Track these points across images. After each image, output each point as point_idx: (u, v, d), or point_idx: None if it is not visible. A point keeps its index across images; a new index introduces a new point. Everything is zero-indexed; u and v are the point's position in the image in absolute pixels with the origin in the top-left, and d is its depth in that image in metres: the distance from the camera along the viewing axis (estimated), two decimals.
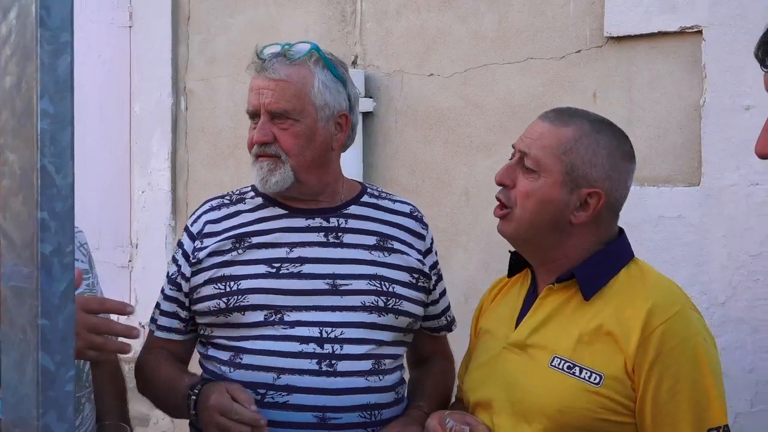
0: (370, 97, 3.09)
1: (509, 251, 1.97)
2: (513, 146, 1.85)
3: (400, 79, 3.06)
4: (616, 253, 1.84)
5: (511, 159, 1.86)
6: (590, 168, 1.78)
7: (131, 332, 1.85)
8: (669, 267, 2.19)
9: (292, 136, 2.03)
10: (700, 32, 2.49)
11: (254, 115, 2.06)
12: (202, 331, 2.14)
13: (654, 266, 1.90)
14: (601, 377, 1.69)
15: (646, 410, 1.69)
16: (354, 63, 3.13)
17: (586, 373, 1.70)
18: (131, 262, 3.58)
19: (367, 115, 3.07)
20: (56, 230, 0.99)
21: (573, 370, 1.72)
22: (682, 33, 2.52)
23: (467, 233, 2.92)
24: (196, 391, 1.95)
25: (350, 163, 2.97)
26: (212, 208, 2.17)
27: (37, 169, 0.98)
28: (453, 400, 2.22)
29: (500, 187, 1.84)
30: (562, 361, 1.73)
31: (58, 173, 0.99)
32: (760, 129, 2.38)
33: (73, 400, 1.03)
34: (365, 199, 2.18)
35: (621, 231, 1.89)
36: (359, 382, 2.00)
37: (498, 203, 1.85)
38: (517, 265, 1.98)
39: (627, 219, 1.99)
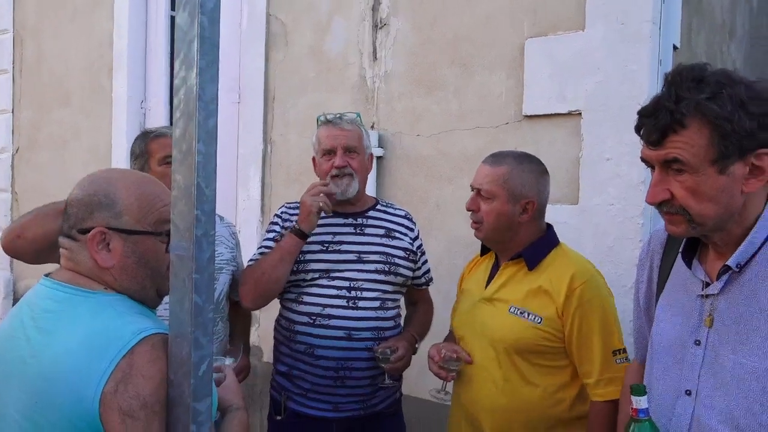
0: (382, 148, 3.06)
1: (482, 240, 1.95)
2: (471, 186, 1.85)
3: (400, 138, 3.04)
4: (547, 241, 1.83)
5: (472, 192, 1.85)
6: (522, 187, 1.77)
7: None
8: None
9: (358, 163, 2.04)
10: (579, 114, 2.47)
11: (330, 151, 2.02)
12: None
13: None
14: (541, 318, 1.69)
15: (573, 340, 1.68)
16: (372, 127, 3.11)
17: (532, 316, 1.69)
18: None
19: (379, 158, 3.05)
20: (204, 221, 0.99)
21: (523, 314, 1.70)
22: (569, 114, 2.51)
23: (437, 230, 2.90)
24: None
25: (369, 186, 2.94)
26: (289, 207, 2.16)
27: (194, 185, 0.98)
28: (438, 331, 2.19)
29: (470, 212, 1.83)
30: (516, 309, 1.72)
31: (206, 187, 0.99)
32: (614, 174, 2.39)
33: (213, 322, 1.02)
34: (378, 207, 2.17)
35: (549, 226, 1.88)
36: (371, 313, 2.00)
37: (472, 224, 1.83)
38: (486, 248, 1.95)
39: None
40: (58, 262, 1.74)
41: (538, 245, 1.80)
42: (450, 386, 1.88)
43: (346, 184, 2.02)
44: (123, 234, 1.16)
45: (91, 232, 1.15)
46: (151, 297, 1.23)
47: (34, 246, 1.64)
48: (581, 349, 1.69)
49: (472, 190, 1.84)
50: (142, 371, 1.02)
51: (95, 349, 1.04)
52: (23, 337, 1.12)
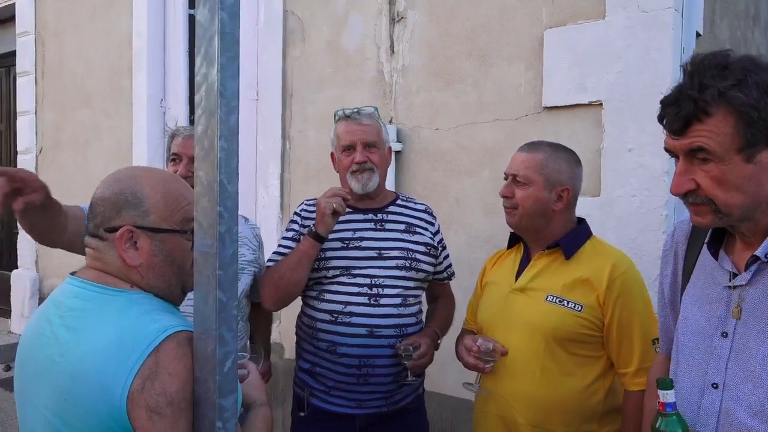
0: (400, 142, 3.06)
1: (510, 232, 1.93)
2: (505, 173, 1.84)
3: (418, 132, 3.04)
4: (582, 231, 1.84)
5: (506, 180, 1.84)
6: (559, 174, 1.78)
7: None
8: None
9: (378, 157, 2.04)
10: (600, 104, 2.45)
11: (350, 147, 2.03)
12: None
13: None
14: (582, 306, 1.68)
15: (612, 329, 1.68)
16: (390, 121, 3.11)
17: (572, 304, 1.69)
18: None
19: (398, 153, 3.05)
20: (227, 218, 0.99)
21: (562, 303, 1.70)
22: (590, 104, 2.48)
23: (457, 224, 2.89)
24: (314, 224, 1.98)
25: (388, 182, 2.94)
26: (309, 204, 2.16)
27: (217, 181, 0.98)
28: (460, 325, 2.16)
29: (504, 199, 1.82)
30: (554, 297, 1.71)
31: (229, 184, 0.99)
32: (636, 164, 2.36)
33: (237, 319, 1.03)
34: (398, 202, 2.16)
35: (582, 219, 1.89)
36: (393, 310, 1.99)
37: (506, 209, 1.82)
38: (513, 241, 1.94)
39: None
40: (65, 247, 1.75)
41: (574, 235, 1.81)
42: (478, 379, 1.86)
43: (366, 178, 2.02)
44: (150, 232, 1.17)
45: (119, 231, 1.16)
46: (176, 294, 1.24)
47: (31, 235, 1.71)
48: (621, 338, 1.69)
49: (506, 178, 1.84)
50: (168, 368, 1.03)
51: (122, 347, 1.05)
52: (52, 336, 1.14)
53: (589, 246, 1.80)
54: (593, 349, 1.72)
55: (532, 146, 1.85)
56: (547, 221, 1.79)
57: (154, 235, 1.17)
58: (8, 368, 5.02)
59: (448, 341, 2.16)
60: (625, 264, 1.74)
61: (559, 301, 1.71)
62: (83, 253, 1.78)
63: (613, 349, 1.71)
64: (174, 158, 2.13)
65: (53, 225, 1.64)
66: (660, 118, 1.17)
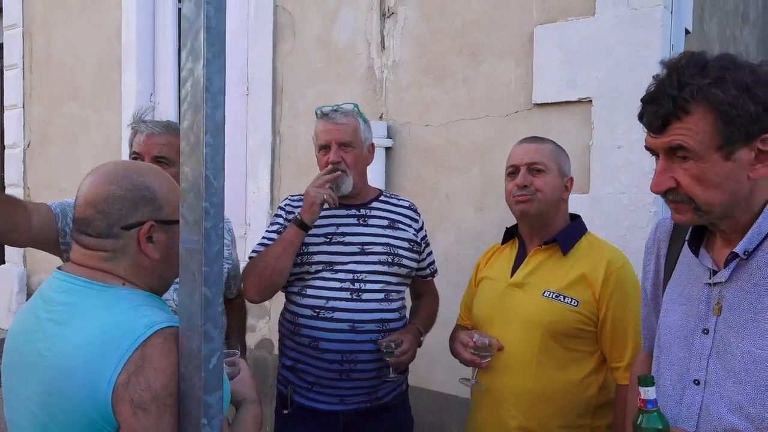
0: (390, 138, 3.06)
1: (506, 227, 1.97)
2: (515, 165, 1.85)
3: (409, 128, 3.04)
4: (578, 227, 1.89)
5: (511, 173, 1.86)
6: (565, 164, 1.88)
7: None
8: None
9: (353, 157, 2.04)
10: (590, 101, 2.47)
11: (326, 146, 2.03)
12: None
13: None
14: (578, 302, 1.72)
15: (606, 323, 1.72)
16: (381, 117, 3.11)
17: (569, 300, 1.72)
18: (246, 234, 3.58)
19: (388, 149, 3.06)
20: (213, 214, 1.00)
21: (559, 298, 1.73)
22: (579, 101, 2.50)
23: (447, 221, 2.91)
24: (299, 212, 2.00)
25: (378, 178, 2.96)
26: (293, 200, 2.17)
27: (203, 177, 0.98)
28: (444, 323, 2.17)
29: (520, 188, 1.81)
30: (551, 293, 1.74)
31: (215, 179, 1.00)
32: (625, 161, 2.38)
33: (223, 315, 1.03)
34: (381, 198, 2.17)
35: (577, 215, 1.94)
36: (375, 305, 2.00)
37: (521, 198, 1.81)
38: (507, 236, 1.97)
39: None
40: (30, 245, 1.70)
41: (570, 231, 1.85)
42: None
43: (340, 180, 2.01)
44: (166, 225, 1.19)
45: (143, 227, 1.18)
46: (170, 283, 1.27)
47: None
48: (615, 333, 1.72)
49: (512, 171, 1.85)
50: (154, 364, 1.03)
51: (109, 342, 1.05)
52: (39, 330, 1.14)
53: (585, 242, 1.83)
54: (588, 344, 1.75)
55: (537, 138, 1.91)
56: (557, 211, 1.84)
57: (169, 228, 1.20)
58: None
59: (435, 338, 2.18)
60: (620, 260, 1.78)
61: (556, 297, 1.73)
62: (54, 252, 1.75)
63: (606, 343, 1.74)
64: (135, 157, 1.96)
65: (7, 224, 1.58)
66: (640, 117, 1.19)
